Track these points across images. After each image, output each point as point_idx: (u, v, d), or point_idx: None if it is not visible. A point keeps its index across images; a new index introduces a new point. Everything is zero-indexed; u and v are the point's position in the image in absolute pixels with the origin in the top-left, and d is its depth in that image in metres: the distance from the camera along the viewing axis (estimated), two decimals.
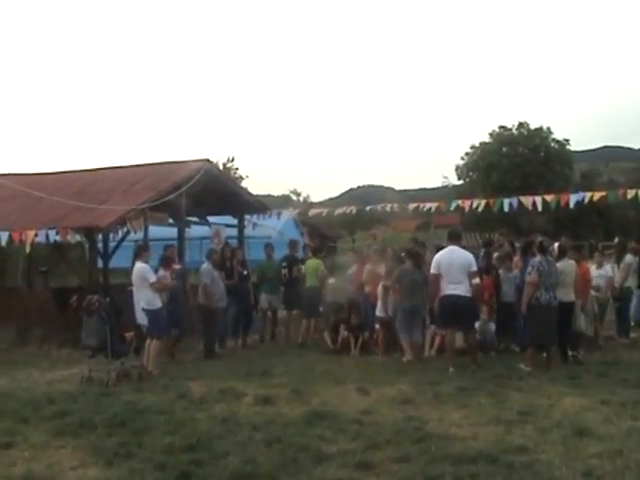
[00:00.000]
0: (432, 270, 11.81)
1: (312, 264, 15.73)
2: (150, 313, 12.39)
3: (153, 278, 12.49)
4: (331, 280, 15.65)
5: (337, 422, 8.00)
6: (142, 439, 7.44)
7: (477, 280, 11.84)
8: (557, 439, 7.11)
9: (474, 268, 11.72)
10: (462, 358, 11.86)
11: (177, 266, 14.03)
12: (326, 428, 7.74)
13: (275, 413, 8.60)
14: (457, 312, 11.49)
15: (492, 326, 13.33)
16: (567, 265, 12.26)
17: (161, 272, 13.04)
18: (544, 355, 11.73)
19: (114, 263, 19.28)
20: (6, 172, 20.11)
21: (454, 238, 12.20)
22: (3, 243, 15.53)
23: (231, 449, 6.96)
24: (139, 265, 12.66)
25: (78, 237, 15.23)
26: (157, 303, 12.43)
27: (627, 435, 7.20)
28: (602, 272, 14.05)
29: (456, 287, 11.46)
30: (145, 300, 12.38)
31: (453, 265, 11.56)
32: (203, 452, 6.90)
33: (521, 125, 66.07)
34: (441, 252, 12.00)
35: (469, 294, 11.53)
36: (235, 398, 9.49)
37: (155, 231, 17.71)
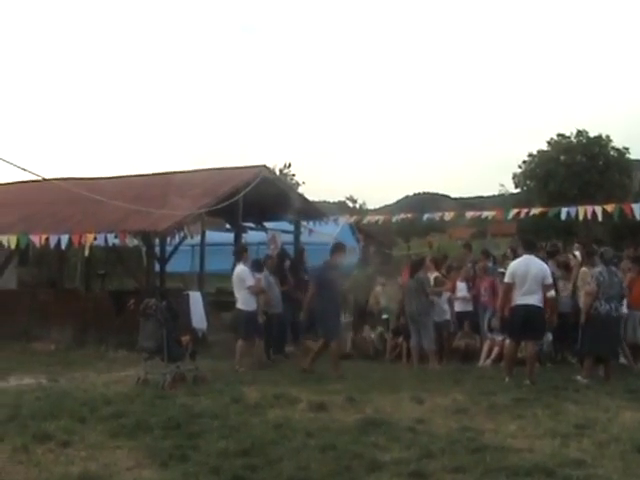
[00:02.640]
0: (506, 279, 11.58)
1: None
2: (244, 314, 13.09)
3: (250, 281, 13.16)
4: (381, 287, 15.58)
5: (391, 430, 7.96)
6: (197, 442, 7.48)
7: (552, 293, 11.66)
8: (615, 454, 6.99)
9: (550, 280, 11.49)
10: (519, 368, 11.75)
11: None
12: (380, 436, 7.70)
13: (329, 420, 8.59)
14: (529, 323, 11.33)
15: (549, 336, 13.18)
16: None
17: (257, 275, 13.60)
18: (602, 367, 11.56)
19: (171, 267, 19.48)
20: (65, 176, 20.43)
21: (530, 247, 12.04)
22: (63, 246, 15.81)
23: (285, 455, 6.96)
24: (240, 267, 13.39)
25: (136, 241, 15.42)
26: (252, 305, 13.14)
27: None
28: None
29: (530, 297, 11.26)
30: (242, 301, 13.14)
31: (530, 275, 11.38)
32: (257, 457, 6.90)
33: (580, 133, 65.33)
34: (517, 261, 11.83)
35: (541, 305, 11.37)
36: (289, 404, 9.50)
37: (212, 236, 17.88)
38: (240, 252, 14.23)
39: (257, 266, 14.03)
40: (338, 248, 13.03)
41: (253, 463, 6.69)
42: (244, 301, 13.20)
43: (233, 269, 18.06)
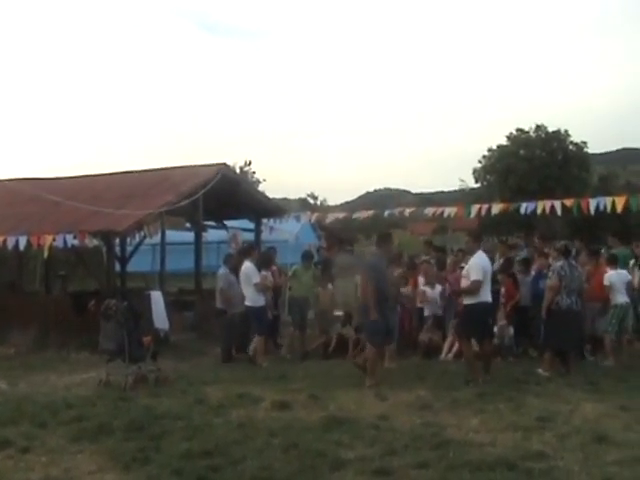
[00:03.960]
0: (478, 277, 10.87)
1: (299, 270, 15.14)
2: (253, 310, 13.37)
3: (256, 279, 13.38)
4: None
5: (354, 428, 7.97)
6: (159, 444, 7.44)
7: None
8: (576, 446, 7.07)
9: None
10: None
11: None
12: (343, 434, 7.71)
13: (292, 418, 8.58)
14: (489, 319, 11.50)
15: (510, 330, 13.28)
16: None
17: (263, 272, 13.84)
18: (563, 360, 11.66)
19: (131, 267, 19.35)
20: (23, 177, 20.19)
21: (479, 241, 12.20)
22: (21, 248, 15.61)
23: (248, 455, 6.95)
24: (247, 264, 13.57)
25: (95, 241, 15.29)
26: (260, 302, 13.41)
27: None
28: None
29: (489, 294, 11.27)
30: (249, 298, 13.37)
31: (489, 271, 11.39)
32: (220, 458, 6.88)
33: (539, 128, 65.97)
34: (481, 257, 11.37)
35: None
36: (252, 403, 9.47)
37: (172, 235, 17.77)
38: (247, 250, 14.60)
39: (265, 263, 14.31)
40: (385, 238, 12.28)
41: (216, 464, 6.66)
42: (252, 298, 13.41)
43: (196, 268, 18.06)
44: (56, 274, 20.62)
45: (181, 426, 8.22)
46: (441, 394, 9.69)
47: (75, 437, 7.87)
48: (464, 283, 11.29)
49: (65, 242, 14.91)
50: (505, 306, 13.35)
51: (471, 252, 11.70)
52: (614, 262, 13.20)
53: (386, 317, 11.12)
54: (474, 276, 10.82)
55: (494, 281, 13.44)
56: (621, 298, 12.62)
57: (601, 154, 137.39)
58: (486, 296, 11.01)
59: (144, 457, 6.97)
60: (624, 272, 13.38)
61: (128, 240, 17.55)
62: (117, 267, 18.34)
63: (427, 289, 14.19)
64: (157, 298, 15.04)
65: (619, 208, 15.62)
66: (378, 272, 11.22)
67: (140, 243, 18.46)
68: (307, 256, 15.20)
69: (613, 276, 12.79)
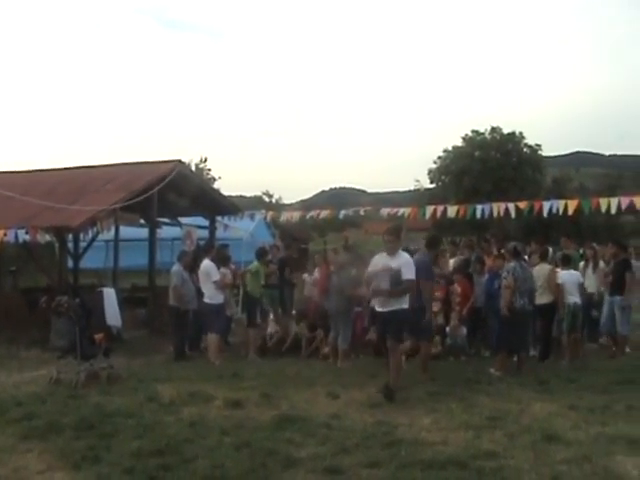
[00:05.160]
0: (414, 276, 10.27)
1: (253, 269, 15.01)
2: (211, 307, 13.34)
3: (216, 276, 13.38)
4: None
5: (306, 426, 7.97)
6: (110, 443, 7.37)
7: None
8: (526, 444, 7.12)
9: None
10: (433, 363, 11.90)
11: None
12: (295, 432, 7.70)
13: (244, 417, 8.55)
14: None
15: (463, 330, 13.37)
16: (542, 269, 12.76)
17: (222, 270, 13.85)
18: (514, 360, 11.77)
19: (84, 263, 19.18)
20: None
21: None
22: None
23: (200, 453, 6.92)
24: (206, 262, 13.59)
25: (48, 237, 15.13)
26: (219, 299, 13.44)
27: (595, 440, 7.23)
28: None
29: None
30: (208, 295, 13.36)
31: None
32: (172, 456, 6.83)
33: (494, 130, 66.46)
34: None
35: None
36: (205, 401, 9.43)
37: (126, 232, 17.66)
38: (207, 248, 14.77)
39: (224, 261, 14.30)
40: (435, 241, 12.55)
41: (167, 463, 6.62)
42: (210, 295, 13.41)
43: (149, 265, 17.94)
44: (7, 270, 20.38)
45: (132, 424, 8.15)
46: (393, 389, 9.71)
47: (24, 436, 7.78)
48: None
49: (16, 237, 14.75)
50: (460, 306, 13.45)
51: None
52: (567, 262, 13.38)
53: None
54: (410, 275, 9.80)
55: (449, 281, 13.62)
56: (572, 298, 12.78)
57: (555, 157, 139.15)
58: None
59: (94, 456, 6.90)
60: (576, 273, 13.57)
61: (81, 236, 17.39)
62: (70, 263, 18.16)
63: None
64: (110, 295, 14.98)
65: (571, 211, 15.82)
66: (430, 272, 11.41)
67: (93, 239, 18.33)
68: (261, 253, 15.18)
69: (565, 276, 12.95)
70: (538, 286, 12.60)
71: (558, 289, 12.73)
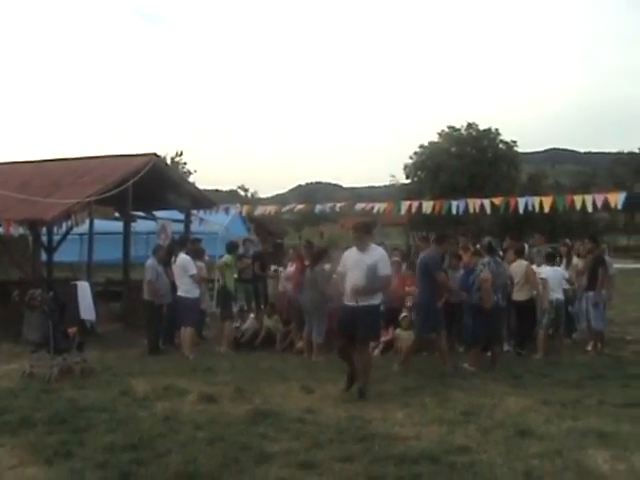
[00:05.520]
0: (390, 271, 10.32)
1: (225, 261, 15.05)
2: (186, 301, 13.26)
3: (193, 270, 13.31)
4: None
5: (280, 421, 7.97)
6: (83, 437, 7.33)
7: None
8: (499, 439, 7.17)
9: None
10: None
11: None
12: (269, 427, 7.70)
13: (218, 411, 8.54)
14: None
15: None
16: (519, 265, 12.88)
17: (198, 264, 13.84)
18: (488, 355, 11.83)
19: (59, 257, 19.06)
20: None
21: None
22: None
23: (173, 448, 6.89)
24: (182, 256, 13.53)
25: (22, 230, 15.01)
26: (195, 293, 13.39)
27: (567, 435, 7.30)
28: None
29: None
30: (184, 289, 13.27)
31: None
32: (145, 451, 6.81)
33: (470, 126, 66.77)
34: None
35: None
36: (178, 396, 9.41)
37: (101, 225, 17.56)
38: (183, 241, 14.78)
39: (199, 254, 14.30)
40: (445, 237, 12.57)
41: (140, 457, 6.58)
42: (186, 289, 13.33)
43: (124, 258, 17.86)
44: None
45: (105, 419, 8.12)
46: (367, 387, 9.73)
47: None
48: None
49: None
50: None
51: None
52: (552, 258, 13.54)
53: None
54: (386, 270, 9.69)
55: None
56: (555, 294, 12.89)
57: (530, 153, 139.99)
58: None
59: (67, 451, 6.85)
60: (560, 269, 13.69)
61: (55, 229, 17.28)
62: (44, 256, 18.03)
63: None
64: (84, 288, 14.91)
65: (547, 208, 15.90)
66: (440, 265, 11.57)
67: (68, 232, 18.20)
68: (233, 247, 15.19)
69: (549, 272, 13.07)
70: (515, 282, 12.70)
71: (542, 284, 12.87)
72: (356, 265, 9.51)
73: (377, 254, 9.62)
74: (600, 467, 6.25)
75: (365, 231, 9.81)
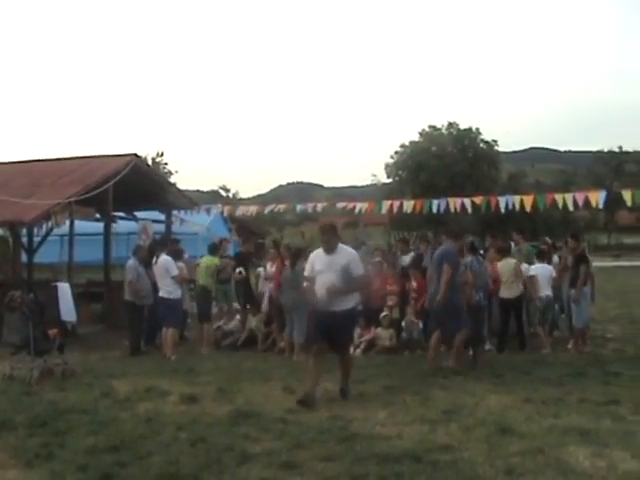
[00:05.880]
0: (364, 270, 10.15)
1: (206, 263, 15.01)
2: (168, 302, 13.22)
3: (175, 271, 13.30)
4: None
5: (262, 421, 7.95)
6: (64, 440, 7.29)
7: None
8: (481, 437, 7.18)
9: None
10: (389, 357, 11.97)
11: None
12: (251, 427, 7.69)
13: (200, 412, 8.51)
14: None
15: (419, 324, 13.44)
16: (507, 264, 13.03)
17: (179, 264, 13.80)
18: (470, 354, 11.86)
19: (39, 258, 18.96)
20: None
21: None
22: None
23: (155, 449, 6.87)
24: (164, 257, 13.47)
25: (1, 231, 14.96)
26: (177, 294, 13.36)
27: (548, 432, 7.32)
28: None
29: None
30: (166, 290, 13.25)
31: None
32: (126, 453, 6.78)
33: (451, 125, 67.11)
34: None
35: None
36: (160, 397, 9.38)
37: (81, 226, 17.49)
38: (164, 242, 14.70)
39: (178, 255, 14.19)
40: (461, 234, 12.60)
41: (122, 459, 6.56)
42: (168, 290, 13.30)
43: (105, 259, 17.79)
44: None
45: (87, 421, 8.08)
46: (349, 389, 9.75)
47: None
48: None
49: None
50: (416, 301, 13.53)
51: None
52: (541, 256, 13.66)
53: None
54: (360, 270, 9.38)
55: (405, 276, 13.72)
56: (544, 291, 13.00)
57: (511, 153, 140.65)
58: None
59: (48, 453, 6.82)
60: (549, 266, 13.78)
61: (35, 230, 17.18)
62: (24, 258, 17.93)
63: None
64: (64, 290, 14.84)
65: (528, 207, 15.95)
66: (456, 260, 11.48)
67: (48, 233, 18.10)
68: (213, 248, 15.20)
69: (538, 269, 13.19)
70: (504, 280, 12.79)
71: (531, 282, 12.97)
72: (328, 268, 9.13)
73: (348, 254, 9.30)
74: (581, 464, 6.27)
75: (332, 232, 9.46)
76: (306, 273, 9.62)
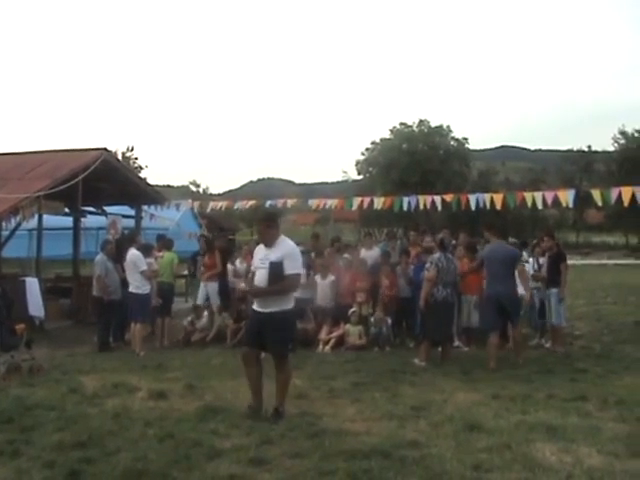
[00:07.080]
0: (299, 270, 8.75)
1: (168, 258, 14.99)
2: (137, 297, 13.17)
3: (144, 266, 13.24)
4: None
5: (231, 417, 7.93)
6: (30, 436, 7.22)
7: None
8: (449, 433, 7.21)
9: None
10: (358, 353, 12.00)
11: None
12: (220, 423, 7.67)
13: (169, 408, 8.47)
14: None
15: (388, 321, 13.47)
16: None
17: (148, 260, 13.71)
18: (439, 350, 11.91)
19: (7, 252, 18.81)
20: None
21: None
22: None
23: (123, 446, 6.82)
24: (133, 251, 13.39)
25: None
26: (146, 289, 13.28)
27: (516, 429, 7.37)
28: None
29: None
30: (135, 285, 13.18)
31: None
32: (94, 449, 6.73)
33: (421, 122, 67.32)
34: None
35: None
36: (128, 393, 9.33)
37: (50, 220, 17.36)
38: (132, 237, 14.51)
39: (148, 251, 14.14)
40: (494, 226, 12.75)
41: (90, 456, 6.50)
42: (137, 285, 13.25)
43: (74, 254, 17.68)
44: None
45: (54, 417, 8.01)
46: (318, 383, 9.77)
47: None
48: None
49: None
50: (385, 297, 13.57)
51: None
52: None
53: None
54: (294, 269, 8.12)
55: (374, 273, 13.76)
56: (520, 290, 13.04)
57: (481, 150, 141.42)
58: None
59: (13, 450, 6.74)
60: (528, 264, 13.81)
61: (3, 224, 17.03)
62: None
63: (317, 279, 14.23)
64: (32, 284, 14.72)
65: (498, 205, 16.03)
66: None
67: (16, 228, 17.96)
68: (169, 243, 15.23)
69: None
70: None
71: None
72: (261, 263, 8.17)
73: (283, 249, 8.11)
74: (548, 459, 6.31)
75: (269, 224, 8.27)
76: (251, 268, 8.77)
